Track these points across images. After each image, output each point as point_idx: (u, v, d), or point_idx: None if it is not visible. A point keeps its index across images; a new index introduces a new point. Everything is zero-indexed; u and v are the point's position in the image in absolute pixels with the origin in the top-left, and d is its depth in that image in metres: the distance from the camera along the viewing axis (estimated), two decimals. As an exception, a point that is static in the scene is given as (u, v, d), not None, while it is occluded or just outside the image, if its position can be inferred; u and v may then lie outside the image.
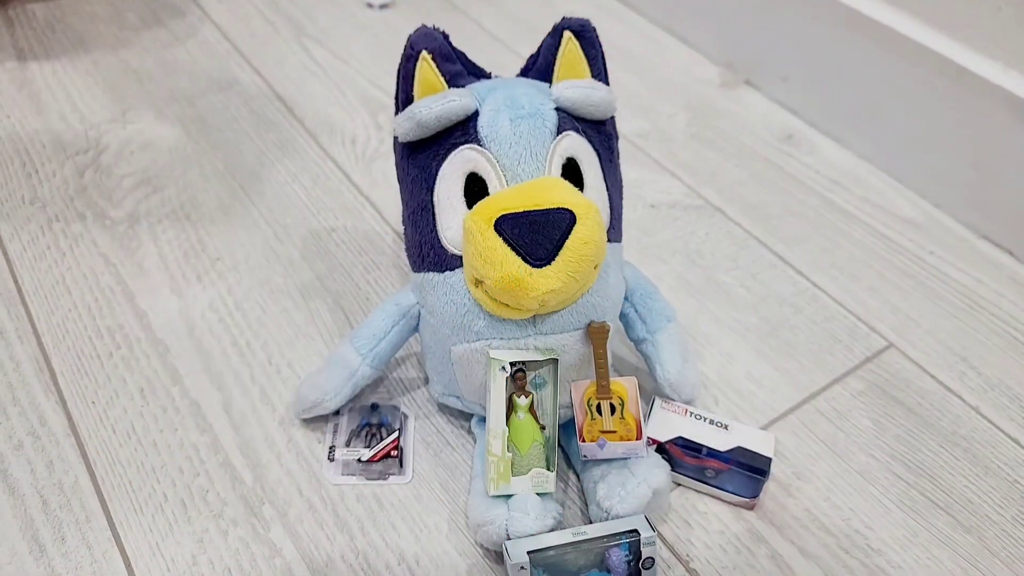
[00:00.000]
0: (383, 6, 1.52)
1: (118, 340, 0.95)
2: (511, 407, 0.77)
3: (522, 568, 0.71)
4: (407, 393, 0.92)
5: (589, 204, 0.70)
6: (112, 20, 1.44)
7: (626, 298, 0.84)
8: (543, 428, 0.78)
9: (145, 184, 1.14)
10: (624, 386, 0.79)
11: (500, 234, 0.68)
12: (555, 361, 0.76)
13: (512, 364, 0.75)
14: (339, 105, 1.29)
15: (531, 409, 0.77)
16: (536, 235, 0.68)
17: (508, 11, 1.54)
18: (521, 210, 0.69)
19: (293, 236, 1.08)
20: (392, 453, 0.84)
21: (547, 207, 0.69)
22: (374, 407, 0.88)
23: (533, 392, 0.77)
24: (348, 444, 0.85)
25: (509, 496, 0.75)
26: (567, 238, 0.68)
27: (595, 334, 0.76)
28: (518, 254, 0.68)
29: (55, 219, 1.08)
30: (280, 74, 1.35)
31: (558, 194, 0.70)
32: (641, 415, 0.78)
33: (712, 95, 1.39)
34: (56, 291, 0.99)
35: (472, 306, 0.75)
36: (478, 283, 0.72)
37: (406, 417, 0.89)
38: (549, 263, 0.68)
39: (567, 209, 0.69)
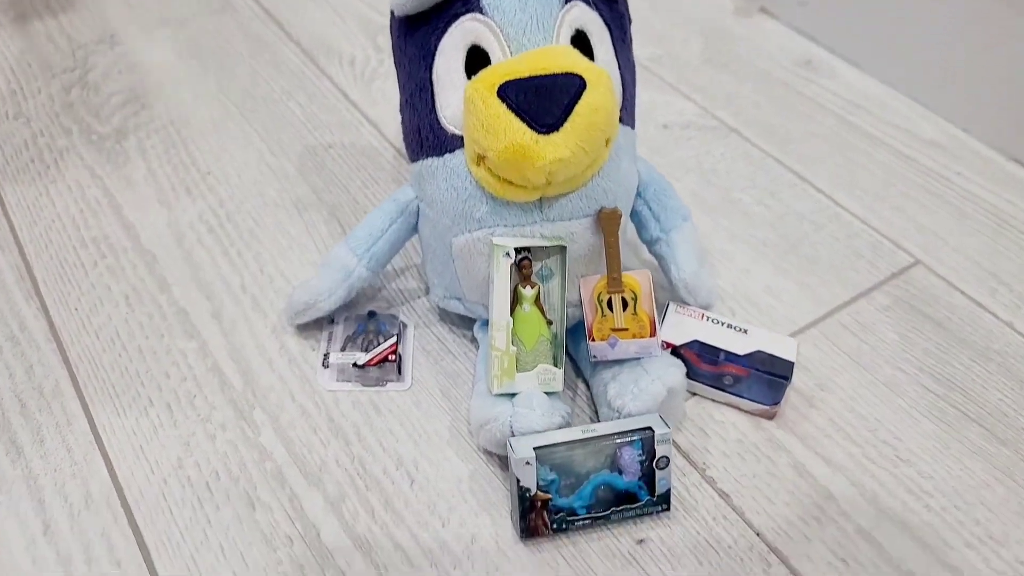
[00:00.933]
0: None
1: (103, 250, 0.90)
2: (516, 299, 0.72)
3: (527, 463, 0.66)
4: (407, 303, 0.87)
5: (600, 70, 0.65)
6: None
7: (639, 195, 0.79)
8: (550, 323, 0.73)
9: (133, 101, 1.09)
10: (637, 280, 0.73)
11: (504, 100, 0.63)
12: (563, 249, 0.71)
13: (517, 250, 0.70)
14: (337, 28, 1.24)
15: (537, 302, 0.72)
16: (543, 100, 0.63)
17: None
18: (527, 75, 0.64)
19: (288, 152, 1.03)
20: (390, 358, 0.79)
21: (555, 71, 0.64)
22: (371, 315, 0.83)
23: (540, 284, 0.72)
24: (343, 350, 0.80)
25: (514, 395, 0.70)
26: (576, 103, 0.63)
27: (606, 220, 0.71)
28: (523, 120, 0.63)
29: (40, 134, 1.03)
30: (277, -1, 1.30)
31: (566, 60, 0.65)
32: (655, 313, 0.73)
33: (726, 22, 1.33)
34: (40, 203, 0.95)
35: (474, 190, 0.70)
36: (480, 160, 0.67)
37: (405, 325, 0.84)
38: (557, 129, 0.63)
39: (576, 74, 0.64)
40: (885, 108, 1.18)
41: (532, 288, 0.72)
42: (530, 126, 0.63)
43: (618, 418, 0.71)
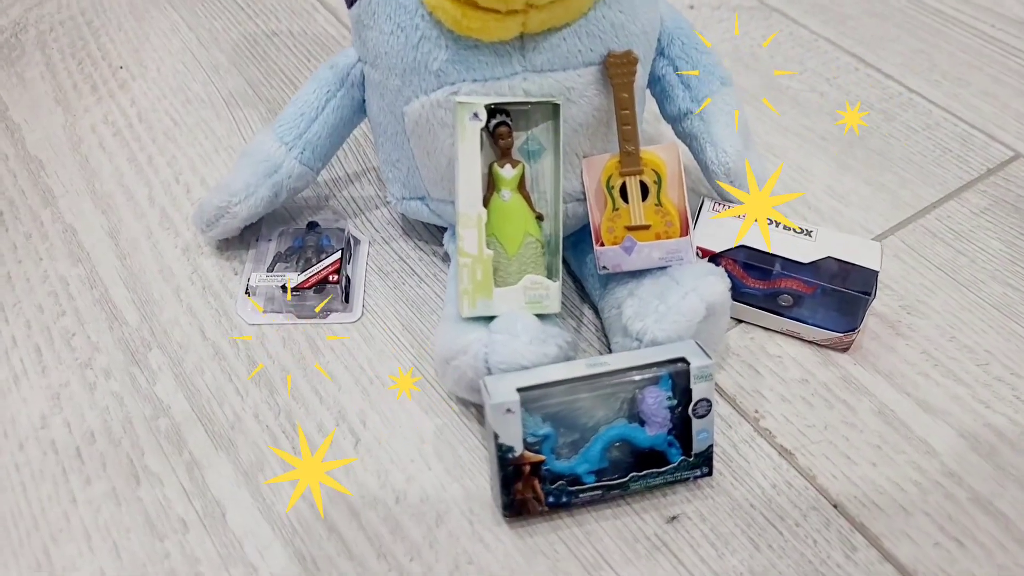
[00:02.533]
0: None
1: (-24, 157, 0.71)
2: (493, 183, 0.51)
3: (509, 411, 0.46)
4: (362, 214, 0.67)
5: None
6: None
7: (660, 52, 0.58)
8: (540, 219, 0.52)
9: (38, -11, 0.89)
10: (661, 157, 0.53)
11: None
12: (556, 110, 0.51)
13: (491, 111, 0.50)
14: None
15: (522, 187, 0.52)
16: None
17: None
18: None
19: (221, 41, 0.83)
20: (331, 279, 0.59)
21: None
22: (311, 226, 0.63)
23: (524, 162, 0.52)
24: (271, 271, 0.60)
25: (492, 319, 0.50)
26: None
27: (616, 69, 0.50)
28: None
29: (-83, 28, 0.84)
30: None
31: None
32: (687, 203, 0.53)
33: None
34: (-96, 105, 0.75)
35: (428, 28, 0.50)
36: (432, -23, 0.47)
37: (356, 241, 0.64)
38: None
39: None
40: (962, -16, 0.96)
41: (514, 167, 0.51)
42: (498, -93, 0.42)
43: (638, 348, 0.51)
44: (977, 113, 0.80)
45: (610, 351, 0.56)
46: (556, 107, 0.50)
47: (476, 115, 0.49)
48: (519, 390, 0.46)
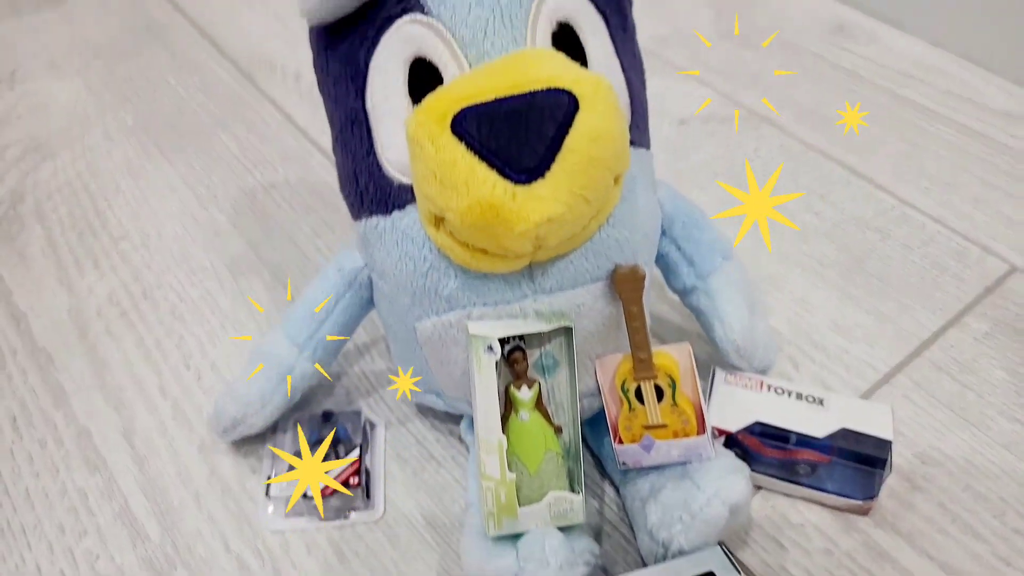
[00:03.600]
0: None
1: (-15, 354, 0.71)
2: (509, 405, 0.52)
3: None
4: (373, 392, 0.68)
5: (597, 79, 0.45)
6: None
7: (663, 233, 0.59)
8: (559, 431, 0.53)
9: (33, 152, 0.90)
10: (673, 357, 0.54)
11: (461, 137, 0.43)
12: (568, 331, 0.51)
13: (503, 341, 0.50)
14: (279, 37, 1.04)
15: (539, 404, 0.52)
16: (517, 133, 0.43)
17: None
18: (491, 98, 0.43)
19: (220, 198, 0.84)
20: (353, 480, 0.59)
21: (531, 88, 0.43)
22: (327, 416, 0.64)
23: (540, 379, 0.52)
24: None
25: (518, 536, 0.51)
26: (566, 133, 0.43)
27: (624, 284, 0.51)
28: (492, 166, 0.43)
29: (-88, 206, 0.84)
30: (207, 10, 1.10)
31: (547, 68, 0.45)
32: (701, 396, 0.53)
33: (739, -13, 1.12)
34: (-93, 296, 0.76)
35: (436, 259, 0.50)
36: (439, 222, 0.47)
37: (373, 426, 0.65)
38: (541, 176, 0.43)
39: (563, 89, 0.43)
40: (939, 74, 0.98)
41: (530, 388, 0.52)
42: (502, 174, 0.43)
43: (664, 555, 0.51)
44: (970, 222, 0.81)
45: (634, 538, 0.56)
46: (568, 328, 0.51)
47: (490, 348, 0.49)
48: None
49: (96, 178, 0.86)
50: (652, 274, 0.56)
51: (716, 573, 0.49)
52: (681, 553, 0.51)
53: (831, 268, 0.76)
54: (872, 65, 0.99)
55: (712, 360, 0.63)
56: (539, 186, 0.43)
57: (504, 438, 0.50)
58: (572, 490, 0.52)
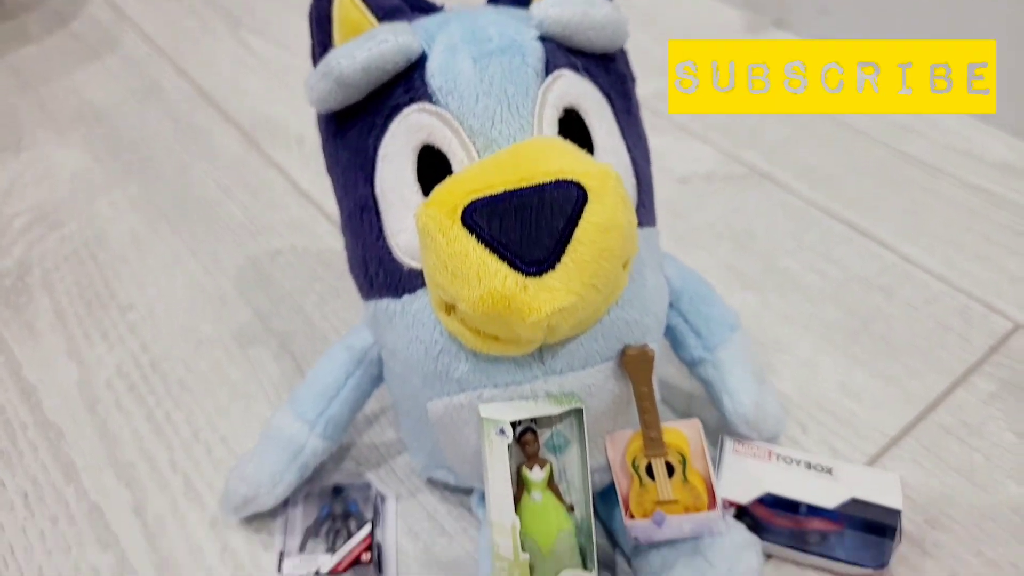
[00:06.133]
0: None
1: (-5, 429, 0.71)
2: (521, 486, 0.52)
3: None
4: (383, 463, 0.68)
5: (605, 171, 0.46)
6: (9, 34, 1.21)
7: (671, 305, 0.59)
8: (571, 509, 0.53)
9: (40, 222, 0.90)
10: (683, 434, 0.54)
11: (472, 230, 0.44)
12: (578, 412, 0.52)
13: (515, 424, 0.51)
14: (282, 101, 1.05)
15: (550, 484, 0.53)
16: (528, 226, 0.44)
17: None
18: (501, 190, 0.44)
19: (226, 267, 0.84)
20: (364, 557, 0.59)
21: (540, 181, 0.44)
22: (337, 491, 0.64)
23: (551, 459, 0.53)
24: (303, 548, 0.61)
25: (532, 616, 0.51)
26: (576, 225, 0.44)
27: (634, 365, 0.52)
28: (503, 259, 0.44)
29: (-78, 277, 0.85)
30: (210, 73, 1.11)
31: (556, 160, 0.45)
32: (712, 470, 0.54)
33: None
34: (-83, 371, 0.76)
35: (447, 343, 0.51)
36: (450, 308, 0.48)
37: (383, 499, 0.65)
38: (552, 268, 0.44)
39: (572, 181, 0.44)
40: (939, 128, 0.99)
41: (542, 468, 0.52)
42: (513, 266, 0.44)
43: (679, 633, 0.51)
44: (973, 280, 0.81)
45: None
46: (578, 410, 0.51)
47: (502, 431, 0.50)
48: None
49: (102, 247, 0.87)
50: (661, 351, 0.57)
51: (732, 655, 0.49)
52: (696, 633, 0.51)
53: (837, 331, 0.77)
54: (870, 119, 1.00)
55: (720, 426, 0.63)
56: (550, 277, 0.44)
57: (517, 520, 0.50)
58: (585, 567, 0.52)
